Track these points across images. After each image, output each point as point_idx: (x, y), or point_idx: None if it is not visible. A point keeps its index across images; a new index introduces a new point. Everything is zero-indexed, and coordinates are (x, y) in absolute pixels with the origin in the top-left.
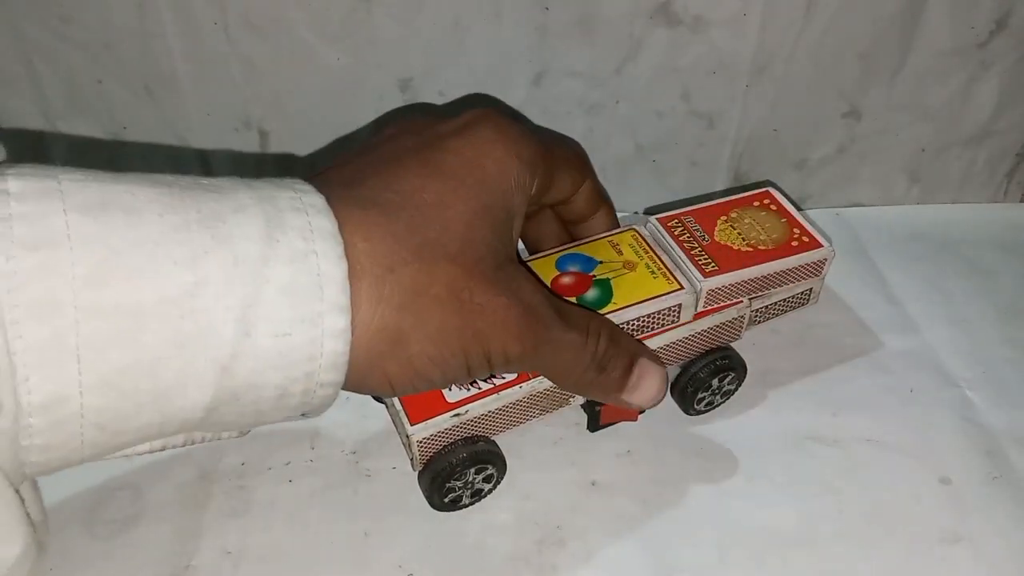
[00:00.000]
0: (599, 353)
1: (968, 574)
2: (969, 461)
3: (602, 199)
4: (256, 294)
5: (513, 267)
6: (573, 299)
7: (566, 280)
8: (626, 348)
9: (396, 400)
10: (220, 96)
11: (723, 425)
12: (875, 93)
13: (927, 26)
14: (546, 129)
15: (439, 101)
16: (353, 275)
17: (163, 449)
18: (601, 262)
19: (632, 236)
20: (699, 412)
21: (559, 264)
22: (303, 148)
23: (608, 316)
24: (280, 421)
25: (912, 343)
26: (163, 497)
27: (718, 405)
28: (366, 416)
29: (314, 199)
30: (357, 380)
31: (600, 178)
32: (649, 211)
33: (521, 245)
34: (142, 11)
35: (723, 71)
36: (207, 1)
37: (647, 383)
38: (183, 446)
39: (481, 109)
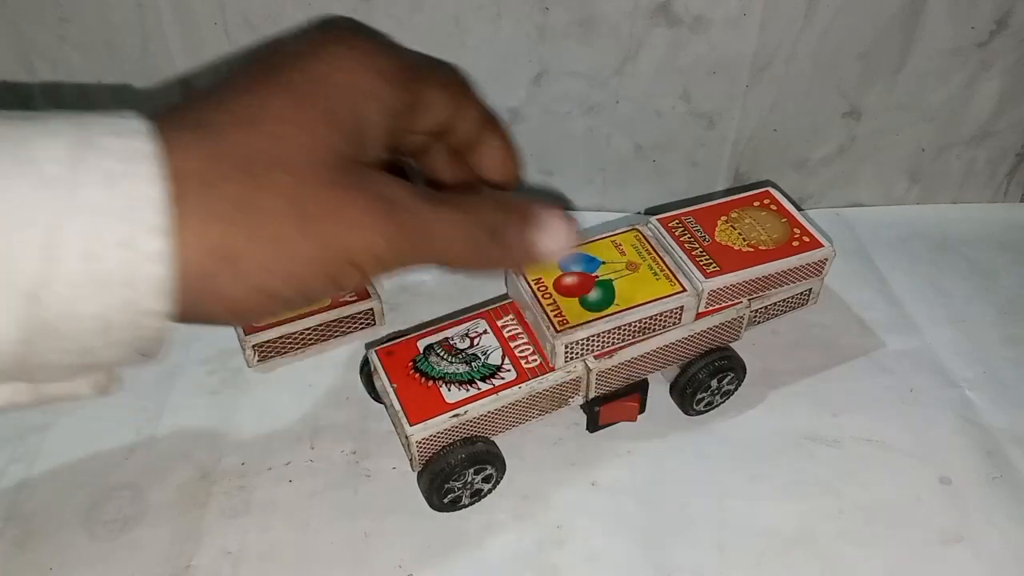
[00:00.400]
0: (487, 220)
1: (968, 574)
2: (969, 461)
3: (489, 122)
4: (63, 217)
5: (364, 168)
6: (575, 299)
7: (569, 280)
8: (514, 205)
9: (396, 401)
10: None
11: (723, 425)
12: (875, 93)
13: (927, 26)
14: (420, 53)
15: None
16: (174, 196)
17: (7, 407)
18: (604, 262)
19: (635, 236)
20: (699, 412)
21: (562, 264)
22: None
23: (611, 317)
24: (120, 363)
25: (912, 343)
26: (163, 497)
27: (718, 405)
28: (366, 416)
29: (134, 124)
30: (191, 307)
31: (600, 178)
32: (649, 211)
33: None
34: (142, 11)
35: (723, 71)
36: (207, 1)
37: (553, 225)
38: (26, 406)
39: (338, 29)
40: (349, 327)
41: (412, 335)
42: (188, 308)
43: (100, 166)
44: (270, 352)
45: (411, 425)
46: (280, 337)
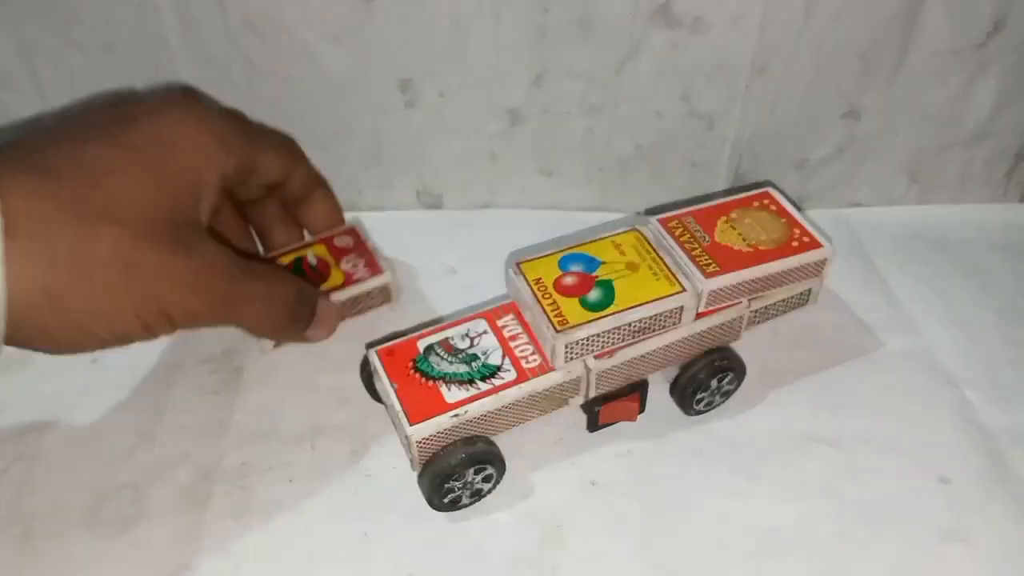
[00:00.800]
0: (288, 302)
1: (968, 574)
2: (969, 461)
3: (317, 182)
4: None
5: (193, 230)
6: (575, 299)
7: (568, 280)
8: (308, 294)
9: (396, 401)
10: (220, 96)
11: (723, 425)
12: (874, 93)
13: (926, 27)
14: (255, 121)
15: (439, 101)
16: (8, 233)
17: None
18: (604, 262)
19: (635, 237)
20: (699, 412)
21: (562, 264)
22: (303, 148)
23: (611, 317)
24: None
25: (911, 343)
26: (163, 497)
27: (717, 405)
28: (366, 416)
29: None
30: (13, 330)
31: (600, 178)
32: (650, 211)
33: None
34: (142, 11)
35: (723, 72)
36: (207, 1)
37: (325, 319)
38: None
39: (180, 91)
40: (364, 305)
41: (412, 335)
42: (11, 331)
43: None
44: None
45: (411, 425)
46: None
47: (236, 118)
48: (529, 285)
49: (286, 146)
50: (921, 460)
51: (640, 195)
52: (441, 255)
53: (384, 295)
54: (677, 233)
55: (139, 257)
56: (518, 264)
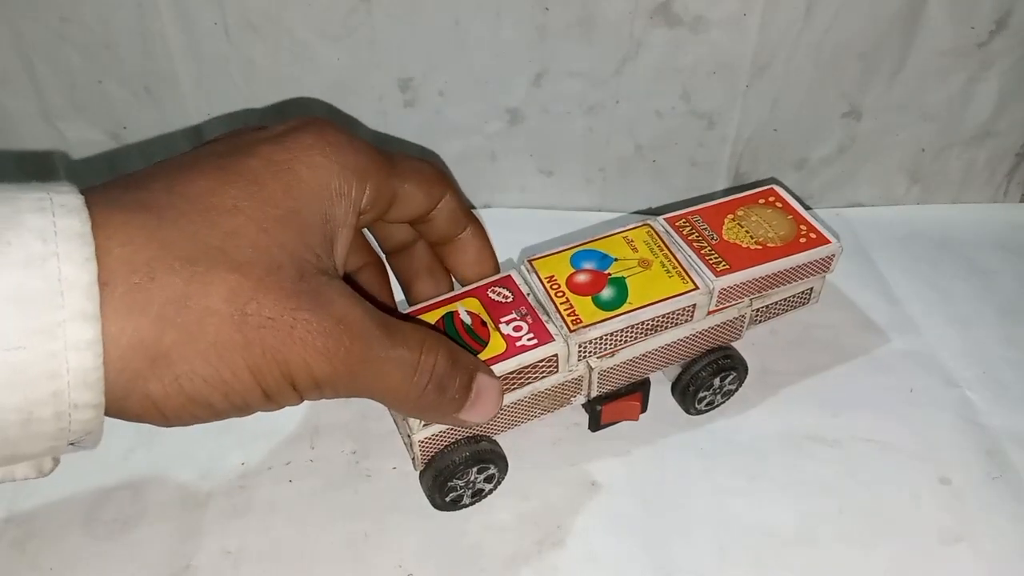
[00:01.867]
0: (437, 372)
1: (968, 574)
2: (969, 461)
3: (467, 216)
4: None
5: (324, 279)
6: (588, 298)
7: (581, 278)
8: (464, 365)
9: None
10: (220, 96)
11: (723, 425)
12: (875, 93)
13: (927, 26)
14: (399, 149)
15: (439, 101)
16: (104, 282)
17: None
18: (616, 259)
19: (647, 232)
20: (700, 412)
21: (573, 261)
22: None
23: (625, 316)
24: (48, 454)
25: (912, 343)
26: (163, 497)
27: (719, 405)
28: (366, 416)
29: (67, 199)
30: (117, 403)
31: (600, 178)
32: (651, 212)
33: (402, 297)
34: (142, 11)
35: (723, 71)
36: (207, 1)
37: (485, 398)
38: None
39: (308, 117)
40: (528, 379)
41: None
42: (114, 404)
43: (24, 247)
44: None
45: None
46: None
47: (367, 144)
48: (542, 283)
49: (429, 171)
50: (921, 460)
51: (640, 195)
52: None
53: (551, 366)
54: (685, 232)
55: (259, 310)
56: (531, 261)
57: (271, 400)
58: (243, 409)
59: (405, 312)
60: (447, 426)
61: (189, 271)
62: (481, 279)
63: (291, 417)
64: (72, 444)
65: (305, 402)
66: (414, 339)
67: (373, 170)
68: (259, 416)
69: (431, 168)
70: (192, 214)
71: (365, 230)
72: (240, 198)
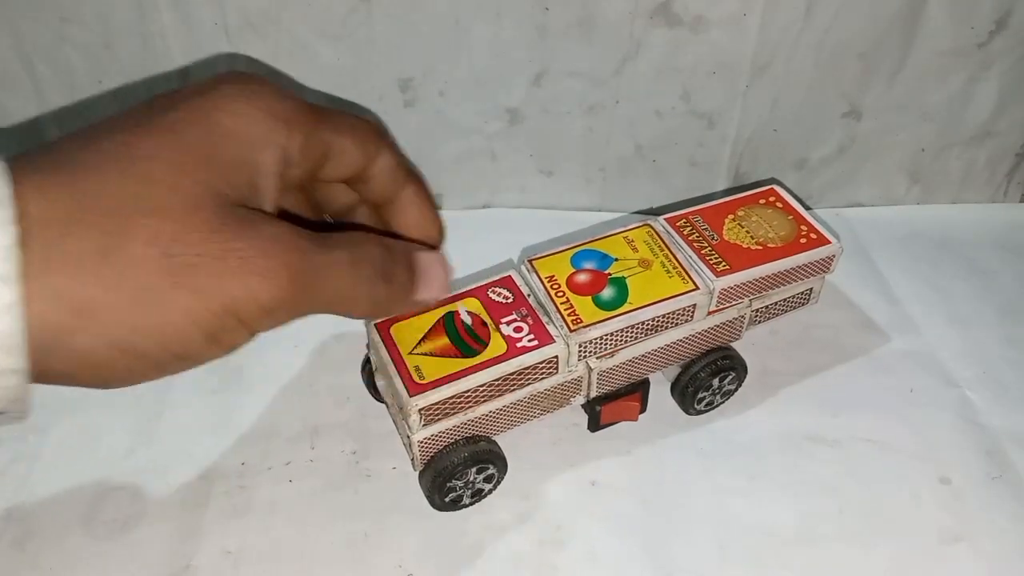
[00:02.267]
0: (376, 262)
1: (968, 574)
2: (969, 461)
3: (408, 175)
4: None
5: (247, 210)
6: (588, 298)
7: (581, 278)
8: (400, 249)
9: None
10: None
11: (723, 425)
12: (875, 93)
13: (927, 26)
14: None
15: (439, 101)
16: (23, 243)
17: None
18: (616, 259)
19: (647, 232)
20: (699, 412)
21: (574, 261)
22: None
23: (625, 316)
24: None
25: (912, 343)
26: (163, 497)
27: (718, 405)
28: (366, 416)
29: None
30: (45, 365)
31: (600, 178)
32: (651, 212)
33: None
34: (142, 11)
35: (723, 71)
36: (207, 1)
37: (432, 272)
38: None
39: (233, 71)
40: (527, 380)
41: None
42: (42, 366)
43: None
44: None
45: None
46: None
47: (298, 97)
48: (542, 283)
49: (363, 126)
50: (921, 460)
51: (640, 195)
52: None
53: (551, 367)
54: (685, 232)
55: (186, 250)
56: (531, 261)
57: (216, 341)
58: (185, 357)
59: None
60: (447, 426)
61: (107, 222)
62: (427, 240)
63: (291, 417)
64: (3, 413)
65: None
66: (344, 238)
67: (301, 120)
68: (259, 416)
69: (366, 124)
70: (108, 166)
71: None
72: (158, 147)
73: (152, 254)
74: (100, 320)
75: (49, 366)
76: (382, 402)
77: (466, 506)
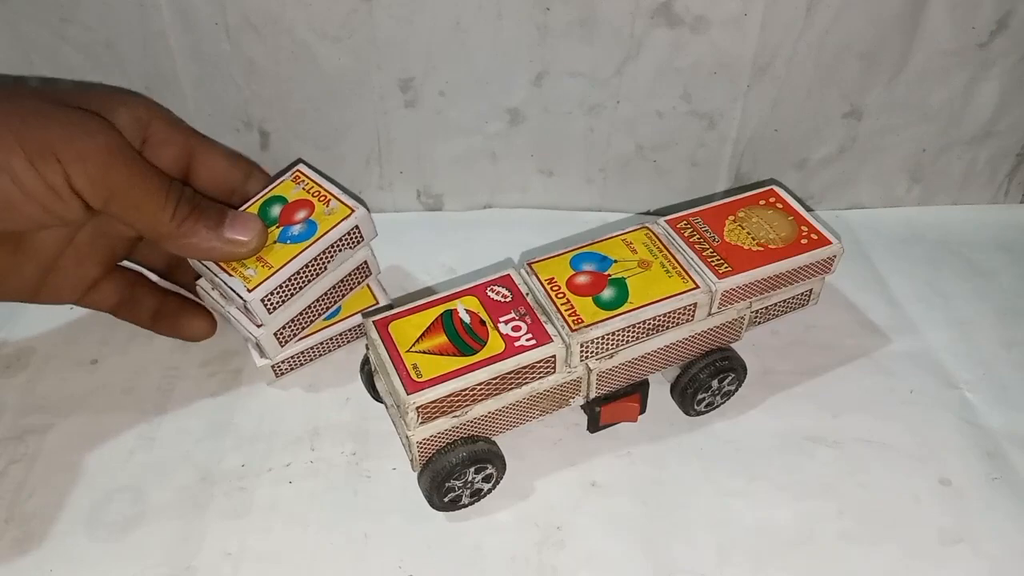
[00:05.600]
0: (187, 196)
1: (968, 574)
2: (969, 462)
3: (243, 165)
4: None
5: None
6: (589, 298)
7: (581, 279)
8: (214, 204)
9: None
10: (220, 96)
11: (723, 425)
12: (876, 93)
13: (928, 26)
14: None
15: (439, 101)
16: None
17: None
18: (616, 261)
19: (646, 234)
20: (699, 413)
21: (573, 263)
22: (303, 148)
23: (627, 315)
24: None
25: (912, 344)
26: (163, 499)
27: (718, 406)
28: (366, 417)
29: None
30: None
31: (600, 178)
32: (651, 212)
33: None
34: (142, 11)
35: (724, 71)
36: (207, 1)
37: (242, 218)
38: None
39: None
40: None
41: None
42: None
43: None
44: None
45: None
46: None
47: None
48: (542, 284)
49: (237, 156)
50: (921, 461)
51: (641, 195)
52: (441, 256)
53: (549, 367)
54: (686, 234)
55: (16, 102)
56: (530, 264)
57: (41, 178)
58: (21, 188)
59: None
60: (445, 427)
61: None
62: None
63: (291, 418)
64: None
65: (304, 405)
66: (162, 174)
67: (168, 120)
68: (259, 417)
69: (243, 160)
70: None
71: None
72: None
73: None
74: None
75: None
76: (381, 402)
77: (465, 506)
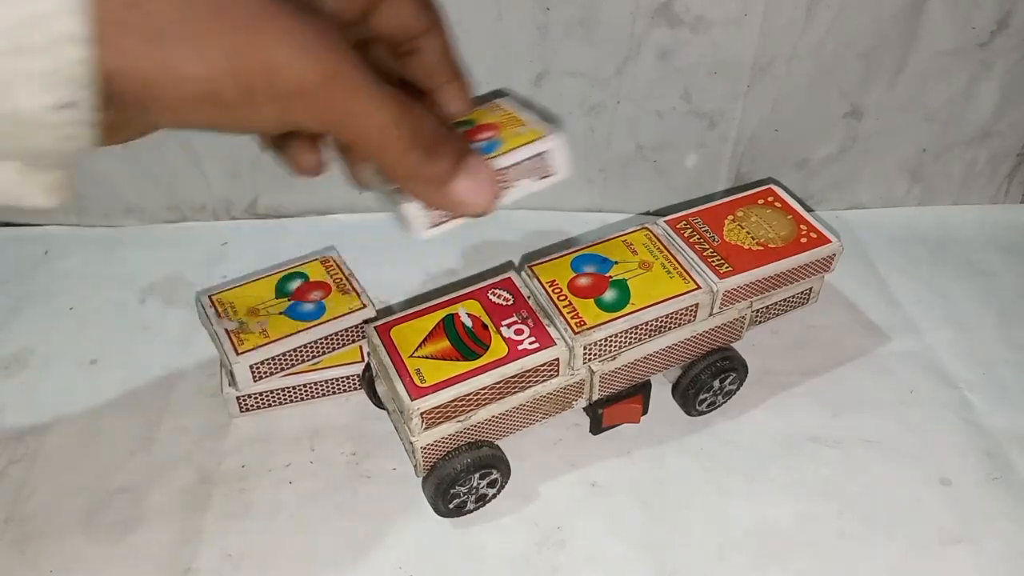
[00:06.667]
0: (425, 128)
1: (968, 574)
2: (969, 462)
3: (456, 69)
4: None
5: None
6: (591, 300)
7: (582, 281)
8: (454, 136)
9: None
10: None
11: (723, 425)
12: (876, 93)
13: (928, 26)
14: None
15: None
16: None
17: None
18: (617, 262)
19: (646, 235)
20: (701, 413)
21: (574, 265)
22: None
23: (629, 316)
24: (46, 137)
25: (912, 344)
26: (163, 500)
27: (720, 405)
28: (366, 417)
29: None
30: (102, 56)
31: (600, 178)
32: (651, 212)
33: None
34: None
35: (724, 71)
36: None
37: (481, 176)
38: None
39: None
40: (526, 383)
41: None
42: (106, 69)
43: None
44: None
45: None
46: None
47: None
48: (543, 287)
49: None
50: (921, 461)
51: (641, 195)
52: (441, 257)
53: (553, 370)
54: (686, 234)
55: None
56: (531, 267)
57: (247, 93)
58: (215, 100)
59: (406, 310)
60: (449, 432)
61: None
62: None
63: (291, 419)
64: (67, 107)
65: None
66: (400, 91)
67: None
68: (259, 418)
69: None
70: None
71: None
72: None
73: None
74: (153, 22)
75: (114, 69)
76: (383, 408)
77: (471, 511)
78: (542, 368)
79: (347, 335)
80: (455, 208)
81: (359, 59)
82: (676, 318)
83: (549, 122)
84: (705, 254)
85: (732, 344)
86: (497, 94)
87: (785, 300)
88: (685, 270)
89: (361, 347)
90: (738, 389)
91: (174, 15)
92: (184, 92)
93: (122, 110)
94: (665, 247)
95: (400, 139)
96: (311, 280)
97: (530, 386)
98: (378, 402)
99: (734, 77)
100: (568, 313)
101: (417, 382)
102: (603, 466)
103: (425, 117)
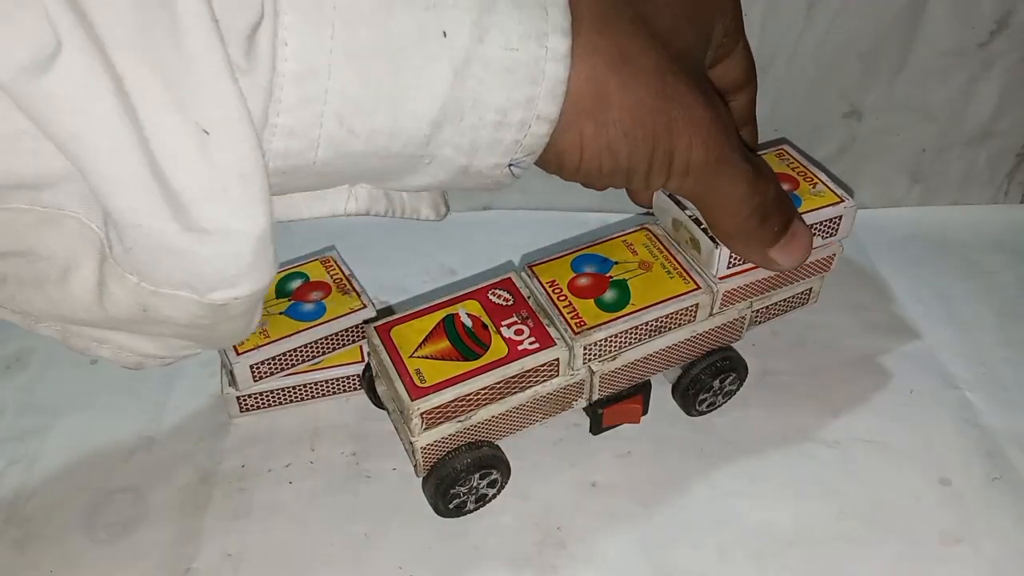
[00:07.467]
0: (768, 198)
1: (968, 574)
2: (969, 462)
3: (754, 73)
4: (492, 1)
5: (707, 79)
6: (591, 300)
7: (582, 282)
8: (787, 203)
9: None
10: None
11: (723, 425)
12: (876, 93)
13: (928, 26)
14: None
15: None
16: (573, 17)
17: (366, 213)
18: (617, 263)
19: (645, 235)
20: (701, 413)
21: (574, 265)
22: None
23: (629, 317)
24: (491, 174)
25: (912, 344)
26: (164, 500)
27: (720, 405)
28: (366, 417)
29: None
30: (556, 132)
31: None
32: (651, 213)
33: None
34: None
35: None
36: None
37: (798, 242)
38: (381, 215)
39: None
40: (528, 383)
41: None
42: (555, 133)
43: None
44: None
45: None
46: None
47: None
48: (543, 287)
49: (738, 12)
50: (921, 461)
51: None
52: (441, 257)
53: (553, 370)
54: None
55: (673, 82)
56: (531, 267)
57: (650, 171)
58: (631, 173)
59: (408, 310)
60: (449, 432)
61: (633, 28)
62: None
63: (291, 419)
64: (512, 165)
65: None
66: (756, 160)
67: (732, 9)
68: (258, 418)
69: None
70: None
71: None
72: None
73: (655, 74)
74: (606, 114)
75: (555, 140)
76: (383, 408)
77: (471, 511)
78: (542, 368)
79: (347, 335)
80: (767, 265)
81: (739, 139)
82: (676, 318)
83: (835, 180)
84: None
85: (732, 344)
86: (780, 141)
87: (785, 300)
88: (685, 270)
89: (361, 347)
90: (738, 389)
91: (625, 115)
92: (601, 167)
93: (542, 166)
94: (665, 247)
95: (747, 206)
96: (311, 280)
97: (530, 386)
98: (378, 402)
99: None
100: (568, 313)
101: (417, 382)
102: (603, 466)
103: (769, 186)
